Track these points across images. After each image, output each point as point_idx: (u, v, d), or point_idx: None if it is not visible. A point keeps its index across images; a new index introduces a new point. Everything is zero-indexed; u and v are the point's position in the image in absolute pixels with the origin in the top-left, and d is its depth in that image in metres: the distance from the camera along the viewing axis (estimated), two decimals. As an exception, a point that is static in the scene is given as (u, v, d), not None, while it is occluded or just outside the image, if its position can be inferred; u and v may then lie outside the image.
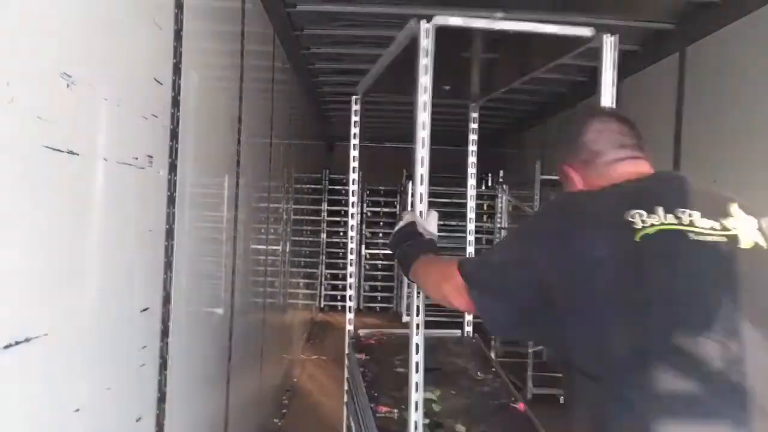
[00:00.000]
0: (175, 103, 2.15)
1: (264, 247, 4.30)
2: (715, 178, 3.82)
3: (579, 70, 5.83)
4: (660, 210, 1.26)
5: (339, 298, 9.81)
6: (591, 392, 1.23)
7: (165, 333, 2.12)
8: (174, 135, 2.14)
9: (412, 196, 2.11)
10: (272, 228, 4.56)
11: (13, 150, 1.21)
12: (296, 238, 6.39)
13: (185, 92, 2.23)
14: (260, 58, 3.99)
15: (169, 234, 2.14)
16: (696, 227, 1.25)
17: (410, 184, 8.96)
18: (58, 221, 1.41)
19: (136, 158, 1.82)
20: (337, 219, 10.01)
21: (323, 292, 9.57)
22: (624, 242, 1.24)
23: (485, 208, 9.45)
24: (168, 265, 2.14)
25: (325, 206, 9.57)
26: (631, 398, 1.17)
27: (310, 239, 8.32)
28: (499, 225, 9.05)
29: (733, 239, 1.26)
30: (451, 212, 9.05)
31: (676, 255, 1.25)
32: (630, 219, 1.24)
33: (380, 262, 10.00)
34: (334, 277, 9.70)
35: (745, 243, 1.26)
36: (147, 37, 1.92)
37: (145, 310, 1.98)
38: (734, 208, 1.31)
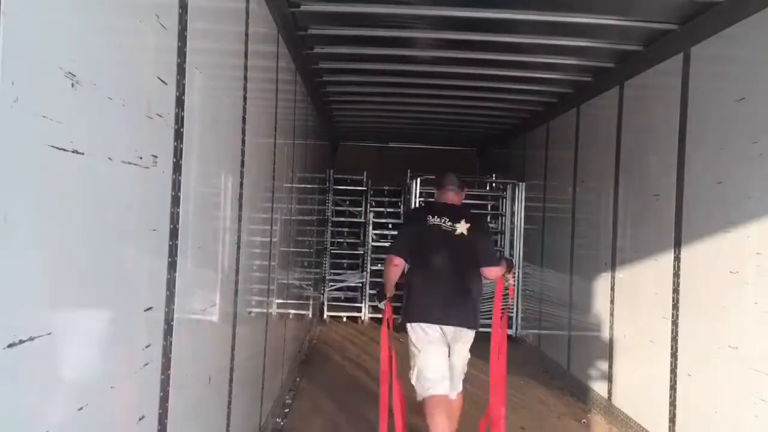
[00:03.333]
0: (180, 103, 2.15)
1: (268, 250, 4.30)
2: (719, 179, 3.82)
3: (582, 70, 5.83)
4: (436, 217, 4.24)
5: (343, 298, 9.78)
6: (411, 271, 4.30)
7: (168, 332, 2.13)
8: (178, 135, 2.15)
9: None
10: (276, 228, 4.57)
11: (18, 149, 1.22)
12: (300, 239, 6.39)
13: (189, 92, 2.24)
14: (264, 58, 4.00)
15: (173, 234, 2.15)
16: (444, 225, 4.21)
17: (414, 183, 9.05)
18: (61, 220, 1.41)
19: (141, 158, 1.83)
20: (342, 219, 10.00)
21: (326, 296, 9.42)
22: (423, 227, 4.26)
23: (489, 209, 9.44)
24: (172, 265, 2.14)
25: (330, 206, 9.57)
26: (419, 272, 4.23)
27: (314, 239, 8.31)
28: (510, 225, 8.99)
29: (454, 230, 4.19)
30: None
31: (437, 233, 4.20)
32: (427, 219, 4.26)
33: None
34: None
35: (458, 232, 4.19)
36: (151, 37, 1.92)
37: (148, 309, 1.98)
38: (462, 220, 4.22)
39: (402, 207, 9.93)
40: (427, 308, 4.16)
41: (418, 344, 4.19)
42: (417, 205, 8.26)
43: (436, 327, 4.16)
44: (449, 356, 4.21)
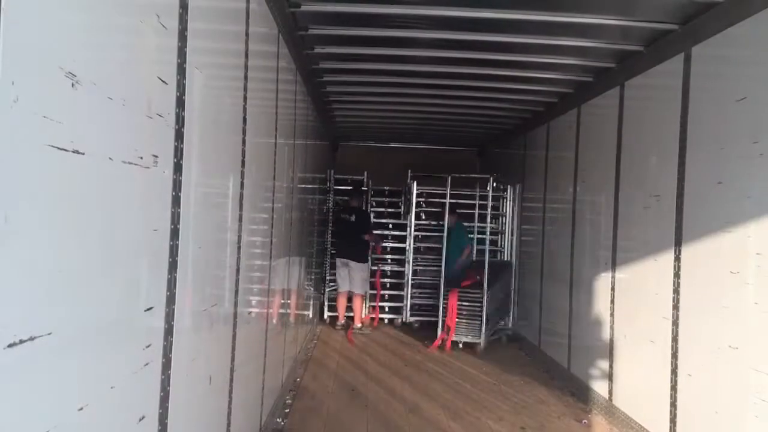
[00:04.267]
0: (180, 103, 2.15)
1: (268, 250, 4.30)
2: (720, 179, 3.82)
3: (583, 70, 5.83)
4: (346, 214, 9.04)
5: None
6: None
7: (169, 332, 2.13)
8: (179, 135, 2.15)
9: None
10: (276, 228, 4.56)
11: (19, 149, 1.22)
12: (301, 239, 6.39)
13: (190, 92, 2.24)
14: (265, 58, 4.00)
15: (174, 234, 2.15)
16: (348, 217, 9.01)
17: (414, 184, 9.05)
18: (62, 221, 1.41)
19: (141, 158, 1.83)
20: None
21: (326, 296, 9.42)
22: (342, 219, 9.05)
23: (488, 209, 9.41)
24: (173, 265, 2.14)
25: (330, 206, 9.56)
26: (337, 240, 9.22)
27: (315, 239, 8.29)
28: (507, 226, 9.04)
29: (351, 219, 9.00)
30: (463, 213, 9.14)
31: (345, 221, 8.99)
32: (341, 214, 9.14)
33: (389, 268, 9.77)
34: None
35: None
36: (152, 37, 1.92)
37: (149, 309, 1.98)
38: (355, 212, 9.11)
39: (402, 207, 9.93)
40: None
41: None
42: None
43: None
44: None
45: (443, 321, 8.09)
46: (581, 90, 6.28)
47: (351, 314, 8.97)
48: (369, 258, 9.23)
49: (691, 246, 4.13)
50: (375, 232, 9.41)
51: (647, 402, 4.68)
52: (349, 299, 9.01)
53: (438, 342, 7.95)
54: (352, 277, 8.88)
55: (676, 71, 4.38)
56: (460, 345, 7.94)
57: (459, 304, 7.99)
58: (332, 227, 9.41)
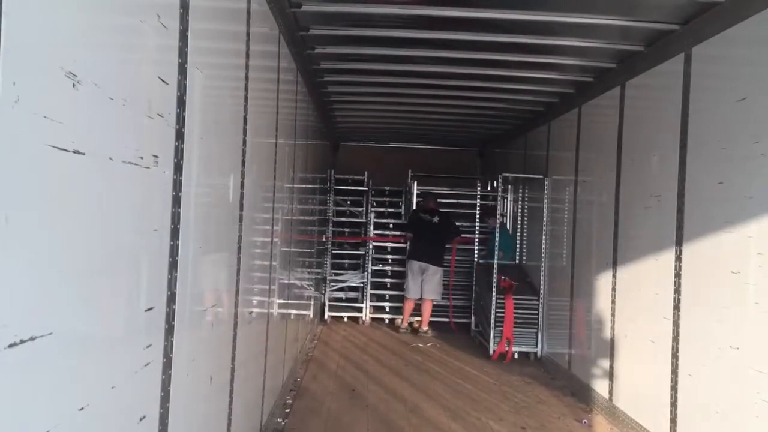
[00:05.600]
0: (181, 103, 2.16)
1: (269, 250, 4.31)
2: (720, 179, 3.82)
3: (583, 70, 5.82)
4: (427, 215, 8.76)
5: (344, 299, 9.77)
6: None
7: (170, 332, 2.13)
8: (179, 135, 2.15)
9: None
10: (277, 228, 4.57)
11: (19, 149, 1.22)
12: (301, 239, 6.39)
13: (191, 92, 2.24)
14: (265, 58, 4.00)
15: (174, 234, 2.15)
16: (430, 218, 8.71)
17: (414, 184, 9.06)
18: (62, 221, 1.41)
19: (142, 158, 1.83)
20: (343, 219, 9.99)
21: (327, 297, 9.42)
22: (422, 221, 8.73)
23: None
24: (173, 265, 2.14)
25: (331, 206, 9.56)
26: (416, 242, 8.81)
27: (316, 239, 8.30)
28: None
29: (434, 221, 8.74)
30: (461, 213, 9.13)
31: (426, 224, 8.70)
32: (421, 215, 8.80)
33: (389, 268, 9.70)
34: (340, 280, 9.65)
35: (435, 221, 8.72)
36: (153, 37, 1.92)
37: (150, 309, 1.98)
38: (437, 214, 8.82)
39: (402, 207, 9.94)
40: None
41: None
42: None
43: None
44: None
45: (499, 330, 7.50)
46: (582, 90, 6.27)
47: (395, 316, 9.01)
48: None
49: (691, 246, 4.13)
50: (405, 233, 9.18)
51: (648, 402, 4.68)
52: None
53: (497, 355, 7.44)
54: (427, 281, 8.61)
55: (676, 71, 4.37)
56: (516, 355, 7.51)
57: (515, 313, 7.47)
58: (410, 229, 8.95)
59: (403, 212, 9.87)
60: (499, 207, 8.85)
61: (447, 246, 8.87)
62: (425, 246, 8.64)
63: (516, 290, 7.58)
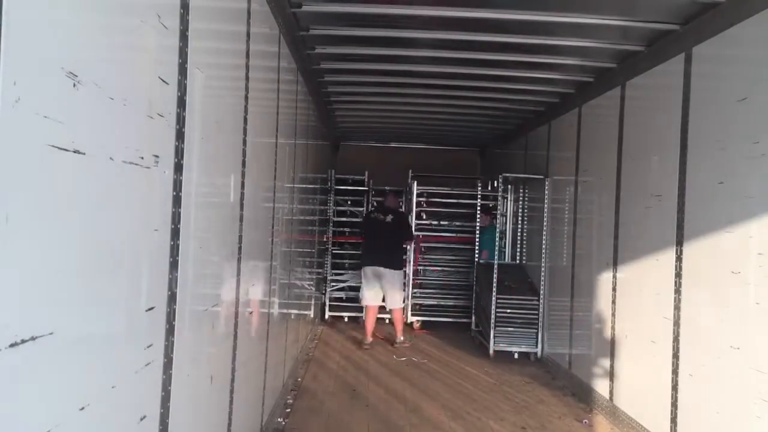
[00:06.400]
0: (181, 103, 2.16)
1: (269, 250, 4.31)
2: (721, 179, 3.82)
3: (583, 70, 5.82)
4: (380, 213, 8.21)
5: (344, 298, 9.77)
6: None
7: (170, 332, 2.13)
8: (180, 135, 2.15)
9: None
10: (277, 228, 4.57)
11: (20, 149, 1.22)
12: (302, 238, 6.39)
13: (191, 92, 2.24)
14: (266, 58, 4.00)
15: (175, 234, 2.15)
16: (383, 218, 8.10)
17: (415, 184, 9.06)
18: (63, 220, 1.41)
19: (142, 158, 1.83)
20: (344, 219, 9.99)
21: (327, 296, 9.43)
22: (374, 221, 8.17)
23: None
24: (174, 265, 2.14)
25: (331, 206, 9.56)
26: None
27: (316, 239, 8.31)
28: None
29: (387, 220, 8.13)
30: (460, 213, 9.14)
31: (379, 224, 8.06)
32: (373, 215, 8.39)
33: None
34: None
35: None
36: (153, 37, 1.92)
37: (150, 309, 1.98)
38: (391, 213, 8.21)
39: (403, 207, 9.94)
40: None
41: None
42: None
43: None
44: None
45: (499, 330, 7.50)
46: (582, 90, 6.27)
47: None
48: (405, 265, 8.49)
49: (692, 246, 4.12)
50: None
51: (648, 402, 4.68)
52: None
53: None
54: (388, 290, 7.84)
55: (676, 71, 4.37)
56: (516, 355, 7.52)
57: (513, 312, 7.52)
58: (362, 231, 8.43)
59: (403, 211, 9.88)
60: (499, 207, 8.87)
61: (404, 246, 8.37)
62: (378, 249, 7.87)
63: (516, 290, 7.66)
